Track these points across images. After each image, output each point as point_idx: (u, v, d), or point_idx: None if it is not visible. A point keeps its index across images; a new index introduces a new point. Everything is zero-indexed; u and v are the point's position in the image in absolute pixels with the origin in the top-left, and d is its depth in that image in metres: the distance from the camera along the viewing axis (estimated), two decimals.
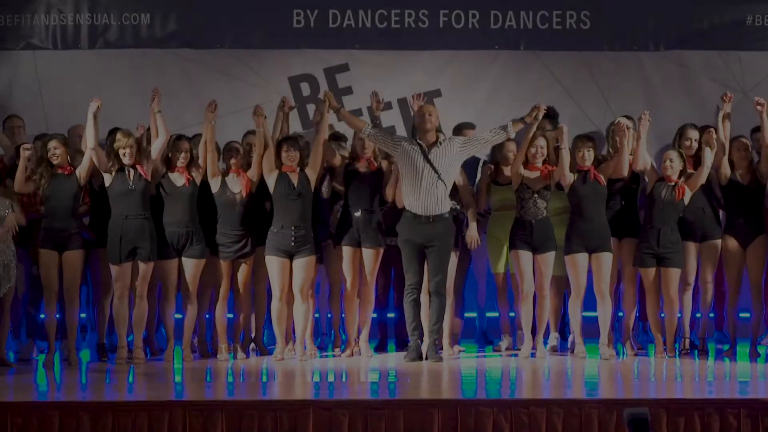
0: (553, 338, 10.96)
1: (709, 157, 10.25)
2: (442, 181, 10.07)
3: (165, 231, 10.36)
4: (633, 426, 5.46)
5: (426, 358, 10.19)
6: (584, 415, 8.58)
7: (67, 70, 12.37)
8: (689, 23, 12.59)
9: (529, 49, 12.58)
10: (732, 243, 10.50)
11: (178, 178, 10.37)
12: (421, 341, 10.28)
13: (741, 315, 10.98)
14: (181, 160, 10.34)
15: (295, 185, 10.19)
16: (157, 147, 10.25)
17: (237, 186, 10.38)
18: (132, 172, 10.20)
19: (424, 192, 10.07)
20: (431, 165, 10.02)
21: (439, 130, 10.26)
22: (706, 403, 8.71)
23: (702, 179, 10.35)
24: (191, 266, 10.37)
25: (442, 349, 10.49)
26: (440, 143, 10.07)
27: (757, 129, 10.69)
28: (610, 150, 10.75)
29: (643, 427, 5.43)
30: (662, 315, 10.68)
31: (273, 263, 10.28)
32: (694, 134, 10.76)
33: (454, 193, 10.45)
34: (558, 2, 12.56)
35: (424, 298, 10.34)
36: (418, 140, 10.13)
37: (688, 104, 12.20)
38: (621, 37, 12.60)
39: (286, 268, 10.24)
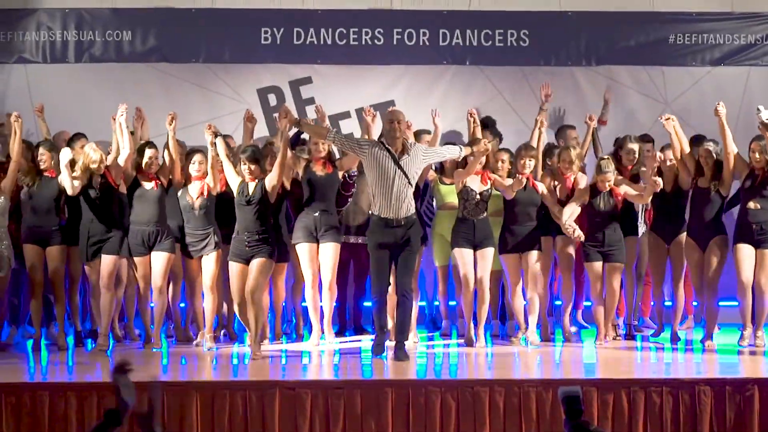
0: (494, 325, 11.01)
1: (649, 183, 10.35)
2: (411, 185, 9.74)
3: (134, 230, 10.30)
4: (566, 402, 5.47)
5: (395, 357, 9.69)
6: (523, 393, 8.65)
7: (56, 81, 12.32)
8: (618, 41, 12.65)
9: (475, 64, 12.60)
10: (656, 239, 10.61)
11: (147, 183, 10.33)
12: (387, 337, 9.94)
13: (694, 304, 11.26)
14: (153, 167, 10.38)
15: (250, 193, 9.87)
16: (124, 157, 10.21)
17: (195, 191, 10.32)
18: (99, 180, 10.18)
19: (395, 197, 9.64)
20: (402, 170, 9.63)
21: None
22: (632, 383, 8.82)
23: (642, 200, 10.46)
24: (160, 260, 10.31)
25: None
26: (409, 151, 9.71)
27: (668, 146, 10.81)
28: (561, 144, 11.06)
29: (575, 403, 5.44)
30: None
31: (231, 268, 9.97)
32: (635, 146, 10.89)
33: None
34: (500, 22, 12.59)
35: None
36: (386, 146, 9.70)
37: (617, 114, 12.26)
38: (556, 54, 12.64)
39: (243, 273, 9.86)
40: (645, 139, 11.22)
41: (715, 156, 10.24)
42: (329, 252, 10.39)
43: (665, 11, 12.63)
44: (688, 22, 12.64)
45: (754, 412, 8.63)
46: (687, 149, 10.39)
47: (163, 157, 10.49)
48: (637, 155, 10.84)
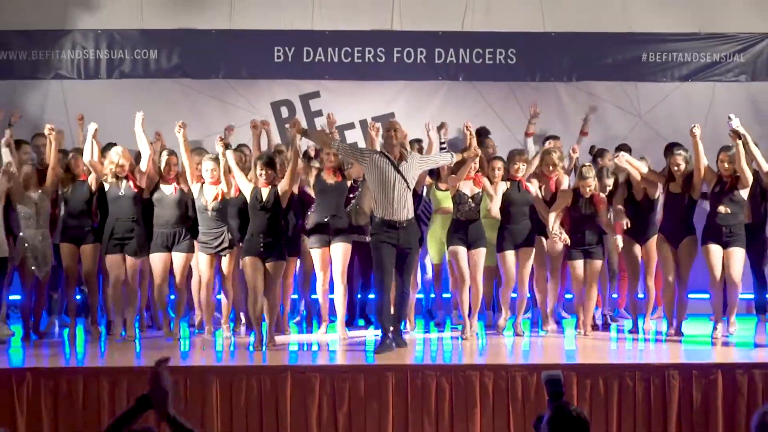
0: (488, 316, 10.97)
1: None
2: (410, 189, 9.66)
3: (156, 232, 10.22)
4: (549, 385, 5.50)
5: (395, 344, 9.59)
6: (510, 377, 8.70)
7: (90, 96, 12.34)
8: (596, 59, 12.69)
9: (467, 80, 12.64)
10: (630, 241, 10.48)
11: (167, 187, 10.27)
12: (389, 340, 9.60)
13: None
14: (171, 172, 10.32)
15: (264, 198, 9.77)
16: (145, 160, 10.19)
17: (211, 195, 10.16)
18: (124, 182, 10.17)
19: (396, 200, 9.54)
20: (402, 175, 9.55)
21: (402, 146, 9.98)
22: (607, 368, 8.87)
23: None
24: (179, 259, 10.24)
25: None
26: (407, 158, 9.65)
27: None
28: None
29: (557, 385, 5.47)
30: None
31: (246, 262, 9.76)
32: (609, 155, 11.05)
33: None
34: (490, 41, 12.63)
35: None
36: (386, 154, 9.63)
37: (596, 126, 12.28)
38: (541, 70, 12.68)
39: (257, 266, 9.67)
40: (623, 148, 11.12)
41: (685, 163, 10.18)
42: (339, 252, 10.24)
43: (639, 32, 12.67)
44: (659, 42, 12.68)
45: (718, 394, 8.69)
46: (649, 168, 10.51)
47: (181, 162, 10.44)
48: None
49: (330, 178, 10.35)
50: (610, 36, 12.70)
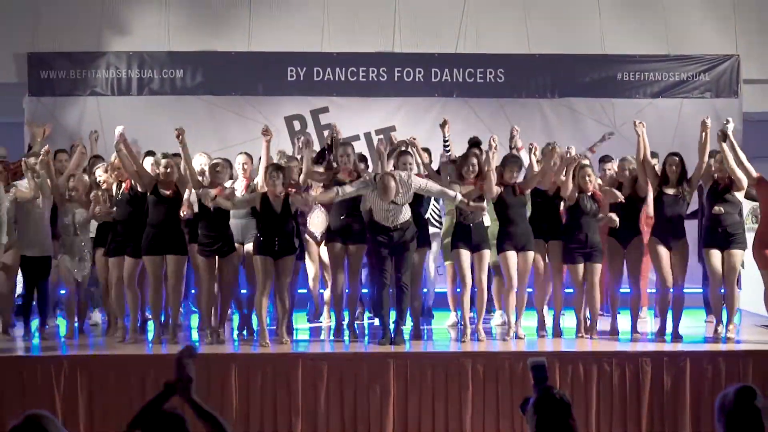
0: (498, 315, 10.40)
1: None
2: (407, 203, 9.22)
3: (149, 232, 9.28)
4: (534, 370, 5.43)
5: (392, 343, 9.11)
6: (499, 363, 8.65)
7: (122, 111, 12.20)
8: (576, 78, 12.63)
9: (460, 96, 12.57)
10: (613, 242, 9.74)
11: (165, 190, 9.33)
12: (390, 332, 9.22)
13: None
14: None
15: (277, 207, 9.09)
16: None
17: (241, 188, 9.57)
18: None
19: (393, 213, 9.17)
20: (395, 203, 9.10)
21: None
22: (586, 355, 8.80)
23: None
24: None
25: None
26: (404, 185, 9.12)
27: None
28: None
29: (541, 371, 5.40)
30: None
31: (257, 261, 9.06)
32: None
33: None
34: (481, 62, 12.59)
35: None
36: (381, 176, 9.12)
37: (576, 138, 12.14)
38: (526, 88, 12.61)
39: (269, 265, 9.02)
40: (606, 159, 10.90)
41: (681, 165, 9.50)
42: (357, 255, 9.71)
43: (614, 54, 12.64)
44: (632, 63, 12.64)
45: (686, 380, 8.65)
46: (649, 156, 9.63)
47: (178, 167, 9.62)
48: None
49: (345, 178, 9.65)
50: (588, 57, 12.65)
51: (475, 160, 9.58)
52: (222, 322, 9.59)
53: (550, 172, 9.59)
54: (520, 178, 9.71)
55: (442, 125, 10.54)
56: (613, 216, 9.42)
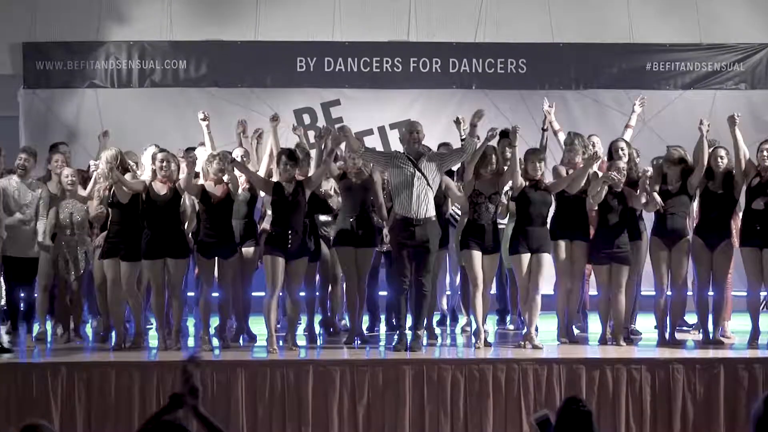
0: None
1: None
2: (431, 187, 9.07)
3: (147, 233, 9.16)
4: (540, 426, 5.47)
5: (408, 348, 9.02)
6: (521, 370, 8.60)
7: (122, 104, 12.31)
8: (602, 68, 12.61)
9: (480, 88, 12.54)
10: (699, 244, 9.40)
11: (162, 189, 9.27)
12: (406, 337, 9.17)
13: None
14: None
15: (290, 192, 9.10)
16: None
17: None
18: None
19: (416, 198, 8.99)
20: (421, 172, 9.05)
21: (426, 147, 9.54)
22: (615, 361, 8.76)
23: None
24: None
25: None
26: (426, 156, 9.16)
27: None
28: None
29: (546, 426, 5.44)
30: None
31: (268, 261, 9.02)
32: (622, 143, 9.95)
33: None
34: (501, 52, 12.56)
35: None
36: (406, 153, 9.20)
37: (601, 130, 12.05)
38: (549, 79, 12.58)
39: (282, 266, 8.99)
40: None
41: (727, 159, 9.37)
42: (364, 256, 9.69)
43: (643, 42, 12.60)
44: (662, 52, 12.60)
45: (719, 387, 8.59)
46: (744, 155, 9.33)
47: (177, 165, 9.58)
48: (626, 151, 9.81)
49: (354, 177, 9.66)
50: (615, 46, 12.62)
51: (494, 158, 9.47)
52: (223, 326, 9.60)
53: (582, 179, 9.40)
54: (549, 175, 9.60)
55: (457, 122, 10.31)
56: (657, 198, 9.20)
